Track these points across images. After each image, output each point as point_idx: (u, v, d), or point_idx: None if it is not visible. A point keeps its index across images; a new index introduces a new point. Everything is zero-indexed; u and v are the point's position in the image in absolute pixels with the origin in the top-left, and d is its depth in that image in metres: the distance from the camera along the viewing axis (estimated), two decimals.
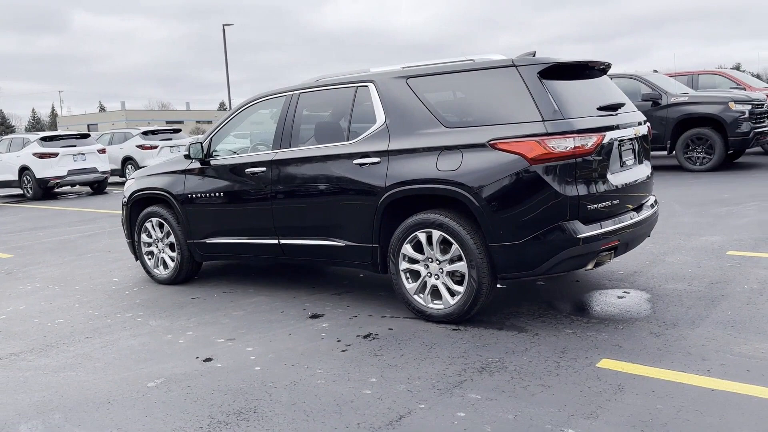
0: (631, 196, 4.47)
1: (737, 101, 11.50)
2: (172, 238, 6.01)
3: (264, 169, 5.22)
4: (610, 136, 4.20)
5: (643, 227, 4.51)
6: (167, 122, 67.03)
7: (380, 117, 4.66)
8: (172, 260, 6.09)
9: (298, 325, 4.63)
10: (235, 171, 5.49)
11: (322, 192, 4.89)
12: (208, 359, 4.09)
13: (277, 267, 6.58)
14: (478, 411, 3.11)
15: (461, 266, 4.26)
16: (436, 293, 4.46)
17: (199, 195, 5.70)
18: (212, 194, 5.61)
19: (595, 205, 4.08)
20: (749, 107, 11.48)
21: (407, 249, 4.50)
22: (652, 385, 3.27)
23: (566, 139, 3.94)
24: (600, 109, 4.32)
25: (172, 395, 3.56)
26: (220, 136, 5.75)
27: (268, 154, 5.26)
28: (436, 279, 4.42)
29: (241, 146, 6.36)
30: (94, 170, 16.37)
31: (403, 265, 4.54)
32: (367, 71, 5.01)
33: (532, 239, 4.03)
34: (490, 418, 3.04)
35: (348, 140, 4.82)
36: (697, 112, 11.65)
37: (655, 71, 14.74)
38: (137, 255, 6.42)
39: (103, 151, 16.83)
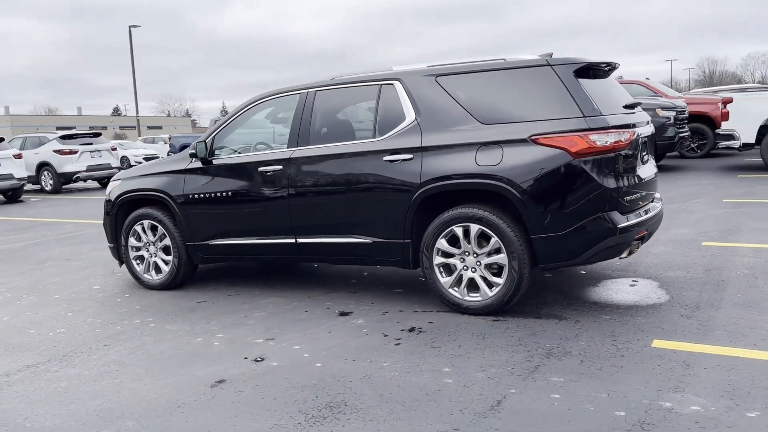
0: (649, 189, 4.76)
1: (664, 108, 12.38)
2: (167, 241, 5.77)
3: (280, 167, 5.14)
4: (637, 132, 4.47)
5: (658, 219, 4.81)
6: (58, 127, 63.39)
7: (410, 114, 4.71)
8: (167, 264, 5.84)
9: (333, 323, 4.59)
10: (245, 170, 5.36)
11: (348, 189, 4.87)
12: (260, 359, 3.98)
13: (267, 269, 6.46)
14: (569, 392, 3.24)
15: (501, 258, 4.38)
16: (471, 286, 4.56)
17: (202, 195, 5.52)
18: (218, 194, 5.44)
19: (629, 197, 4.33)
20: (674, 113, 12.45)
21: (442, 243, 4.57)
22: (714, 360, 3.51)
23: (607, 134, 4.16)
24: (624, 107, 4.58)
25: (245, 395, 3.45)
26: (222, 135, 5.59)
27: (284, 152, 5.18)
28: (473, 272, 4.52)
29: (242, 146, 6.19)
30: (9, 177, 15.27)
31: (437, 259, 4.61)
32: (390, 70, 5.05)
33: (575, 230, 4.21)
34: (585, 397, 3.17)
35: (375, 137, 4.83)
36: None
37: None
38: (122, 260, 6.11)
39: (19, 156, 15.74)
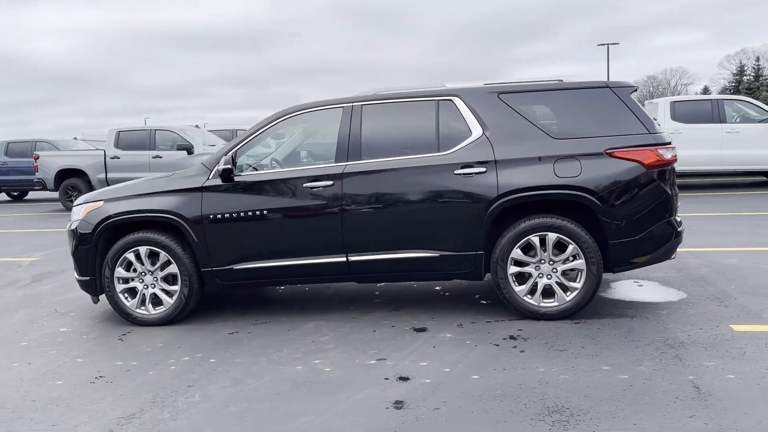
0: None
1: None
2: (171, 269, 5.11)
3: (330, 182, 4.90)
4: None
5: None
6: None
7: (476, 129, 4.84)
8: (170, 295, 5.16)
9: (421, 339, 4.50)
10: (286, 186, 5.00)
11: (414, 203, 4.83)
12: (405, 378, 3.80)
13: (251, 296, 6.00)
14: (737, 372, 3.64)
15: (579, 264, 4.69)
16: (544, 293, 4.79)
17: (227, 215, 5.01)
18: (249, 213, 4.99)
19: (677, 204, 4.93)
20: None
21: (517, 253, 4.75)
22: None
23: (667, 149, 4.72)
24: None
25: (445, 412, 3.31)
26: (246, 149, 5.16)
27: (334, 167, 4.95)
28: (548, 279, 4.76)
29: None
30: None
31: (512, 269, 4.77)
32: (442, 86, 5.12)
33: (646, 234, 4.69)
34: (754, 376, 3.59)
35: (440, 151, 4.87)
36: None
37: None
38: (99, 294, 5.26)
39: None
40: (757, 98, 53.68)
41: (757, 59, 58.38)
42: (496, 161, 4.74)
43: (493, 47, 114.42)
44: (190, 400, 3.66)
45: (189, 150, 14.22)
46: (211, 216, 5.02)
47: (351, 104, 5.08)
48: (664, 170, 4.69)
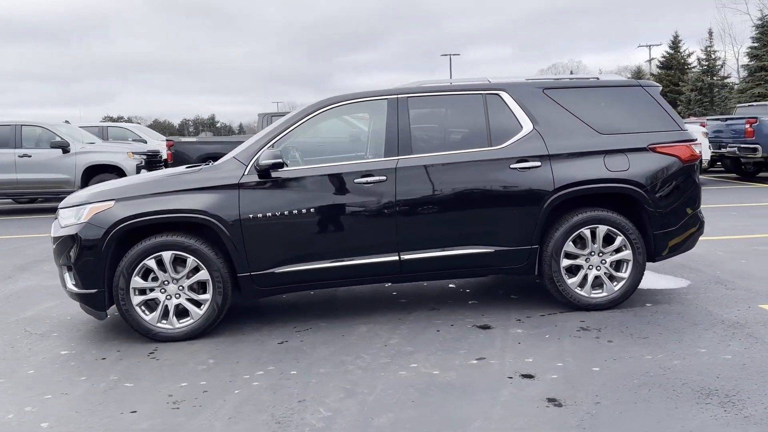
0: None
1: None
2: (201, 276, 4.56)
3: (383, 177, 4.66)
4: None
5: None
6: None
7: (526, 123, 4.86)
8: (198, 305, 4.60)
9: (503, 337, 4.42)
10: (335, 182, 4.67)
11: (469, 198, 4.74)
12: (529, 375, 3.71)
13: (256, 304, 5.55)
14: None
15: (626, 255, 4.88)
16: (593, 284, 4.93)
17: (270, 214, 4.57)
18: (294, 211, 4.59)
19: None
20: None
21: (569, 246, 4.84)
22: None
23: (696, 145, 5.07)
24: None
25: (609, 405, 3.29)
26: (283, 142, 4.75)
27: (386, 161, 4.71)
28: (597, 270, 4.90)
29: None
30: None
31: (564, 262, 4.85)
32: (485, 80, 5.07)
33: (682, 224, 4.99)
34: None
35: (492, 146, 4.82)
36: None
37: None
38: (106, 309, 4.57)
39: None
40: None
41: (571, 72, 64.54)
42: (549, 155, 4.78)
43: (321, 54, 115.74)
44: (319, 416, 3.29)
45: (65, 148, 13.01)
46: (251, 215, 4.55)
47: (396, 96, 4.86)
48: (694, 164, 5.02)
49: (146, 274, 4.55)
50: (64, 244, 4.60)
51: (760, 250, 6.88)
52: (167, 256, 4.51)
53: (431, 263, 4.77)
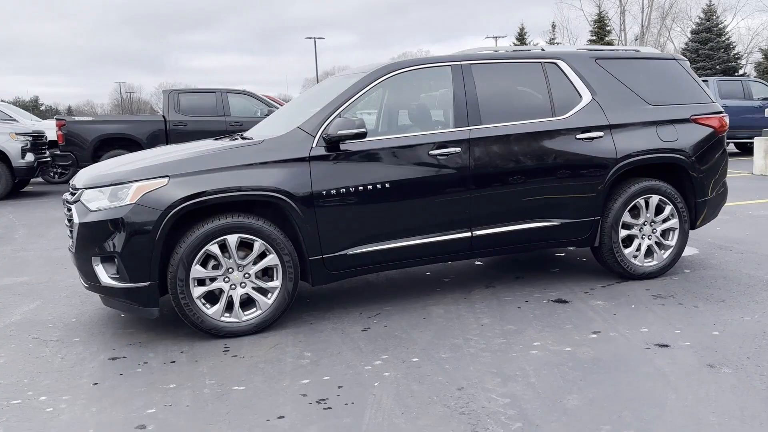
0: None
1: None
2: (270, 260, 4.05)
3: (458, 149, 4.40)
4: None
5: None
6: None
7: (585, 93, 4.82)
8: (266, 294, 4.09)
9: (587, 310, 4.36)
10: (410, 153, 4.32)
11: (541, 170, 4.61)
12: (664, 345, 3.67)
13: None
14: None
15: (674, 223, 5.01)
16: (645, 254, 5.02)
17: (344, 189, 4.14)
18: (369, 186, 4.19)
19: None
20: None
21: (626, 216, 4.89)
22: None
23: (725, 117, 5.31)
24: None
25: None
26: (347, 112, 4.32)
27: (460, 132, 4.44)
28: (649, 239, 5.00)
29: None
30: None
31: (622, 233, 4.89)
32: (539, 48, 4.94)
33: (718, 193, 5.23)
34: None
35: (556, 116, 4.72)
36: None
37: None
38: (158, 305, 3.93)
39: None
40: None
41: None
42: (610, 126, 4.77)
43: (153, 33, 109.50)
44: (499, 403, 3.01)
45: None
46: (324, 192, 4.09)
47: (459, 63, 4.60)
48: (724, 135, 5.26)
49: (205, 261, 3.94)
50: (99, 230, 3.85)
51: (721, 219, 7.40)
52: (233, 240, 3.94)
53: (500, 239, 4.58)
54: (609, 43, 42.59)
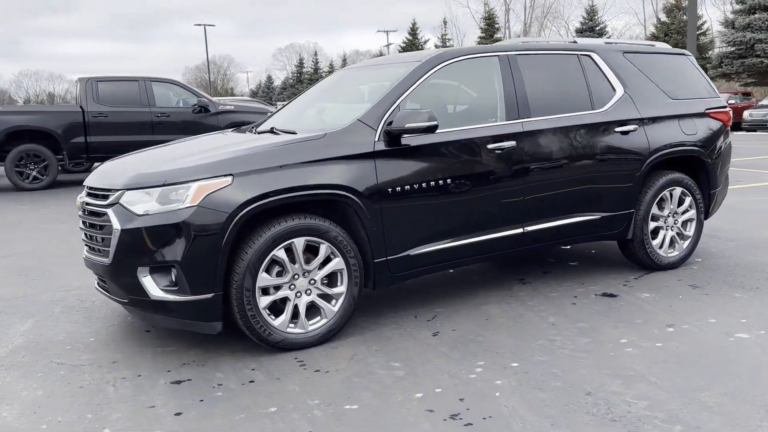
0: None
1: None
2: (335, 264, 3.71)
3: (513, 143, 4.27)
4: None
5: None
6: None
7: (618, 87, 4.83)
8: (331, 300, 3.78)
9: (642, 302, 4.38)
10: (470, 148, 4.14)
11: (585, 164, 4.58)
12: (742, 334, 3.75)
13: None
14: None
15: (692, 214, 5.16)
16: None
17: (407, 187, 3.90)
18: (431, 183, 3.97)
19: None
20: None
21: (655, 208, 4.97)
22: None
23: (730, 111, 5.54)
24: None
25: None
26: (417, 103, 4.07)
27: (513, 125, 4.31)
28: (671, 231, 5.12)
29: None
30: None
31: (651, 224, 4.97)
32: (573, 41, 4.90)
33: (724, 185, 5.44)
34: None
35: (595, 108, 4.71)
36: None
37: None
38: (232, 315, 3.53)
39: None
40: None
41: (315, 53, 65.93)
42: (642, 119, 4.82)
43: (7, 16, 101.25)
44: (641, 405, 2.91)
45: None
46: (390, 189, 3.83)
47: (506, 53, 4.46)
48: (729, 129, 5.48)
49: (271, 267, 3.57)
50: (150, 236, 3.38)
51: None
52: (300, 243, 3.59)
53: (547, 234, 4.51)
54: (497, 41, 44.15)
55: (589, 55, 4.80)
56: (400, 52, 50.33)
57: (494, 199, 4.22)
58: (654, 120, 4.86)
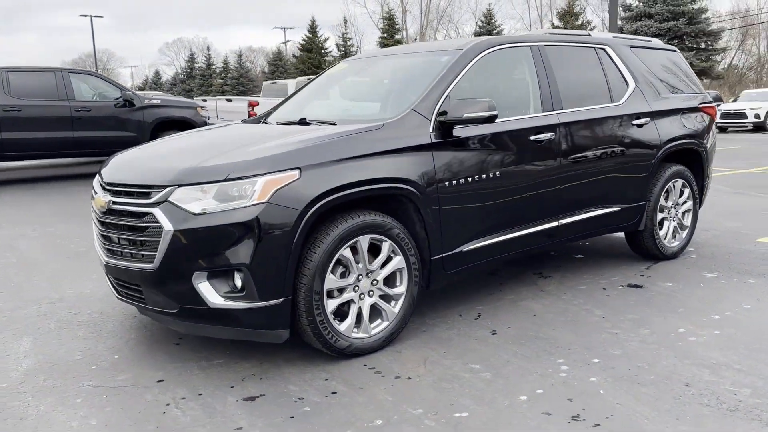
0: None
1: None
2: (396, 264, 3.50)
3: (552, 134, 4.22)
4: None
5: None
6: None
7: (630, 80, 4.90)
8: (391, 302, 3.55)
9: (672, 292, 4.46)
10: (514, 140, 4.04)
11: (607, 157, 4.59)
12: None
13: None
14: None
15: (689, 205, 5.33)
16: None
17: (462, 180, 3.74)
18: (483, 176, 3.84)
19: None
20: None
21: (662, 200, 5.10)
22: None
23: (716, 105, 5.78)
24: None
25: None
26: (457, 94, 3.90)
27: (550, 116, 4.26)
28: (674, 221, 5.27)
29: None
30: None
31: (658, 215, 5.10)
32: (588, 34, 4.92)
33: (711, 177, 5.68)
34: None
35: (613, 101, 4.75)
36: None
37: None
38: (298, 321, 3.24)
39: None
40: (212, 84, 58.91)
41: (208, 48, 63.75)
42: (651, 113, 4.92)
43: None
44: (743, 394, 2.93)
45: None
46: (447, 183, 3.66)
47: (536, 44, 4.40)
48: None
49: (336, 267, 3.30)
50: (212, 237, 3.02)
51: None
52: (365, 242, 3.34)
53: (577, 227, 4.50)
54: (398, 42, 44.58)
55: (604, 48, 4.83)
56: (300, 50, 49.70)
57: (536, 192, 4.14)
58: (661, 114, 4.97)
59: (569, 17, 36.15)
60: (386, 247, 3.41)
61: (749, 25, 46.95)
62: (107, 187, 3.42)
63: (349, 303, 3.36)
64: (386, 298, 3.50)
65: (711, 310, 4.00)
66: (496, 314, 4.02)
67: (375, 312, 3.47)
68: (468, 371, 3.21)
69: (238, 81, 56.18)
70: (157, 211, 3.08)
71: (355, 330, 3.37)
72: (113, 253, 3.38)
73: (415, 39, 53.09)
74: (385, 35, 44.42)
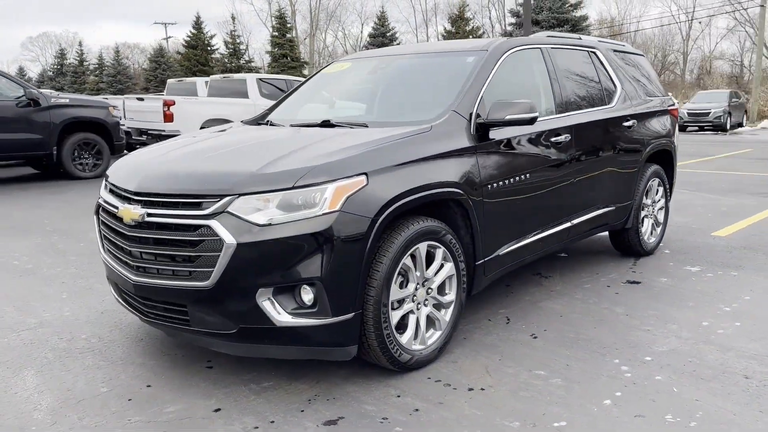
0: None
1: None
2: (448, 270, 3.39)
3: (568, 136, 4.28)
4: None
5: None
6: None
7: (617, 83, 5.07)
8: (441, 310, 3.45)
9: (668, 287, 4.64)
10: (540, 142, 4.04)
11: (608, 157, 4.72)
12: None
13: None
14: None
15: (663, 203, 5.60)
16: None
17: (502, 183, 3.70)
18: (518, 178, 3.82)
19: None
20: None
21: (644, 198, 5.33)
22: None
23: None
24: None
25: None
26: (492, 94, 3.84)
27: (563, 118, 4.31)
28: (651, 218, 5.50)
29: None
30: None
31: (642, 214, 5.31)
32: (578, 37, 5.01)
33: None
34: None
35: (607, 104, 4.88)
36: None
37: None
38: (364, 336, 3.06)
39: None
40: (86, 82, 55.36)
41: (80, 44, 59.86)
42: (636, 115, 5.11)
43: None
44: None
45: None
46: (489, 186, 3.61)
47: (545, 46, 4.44)
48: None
49: (412, 272, 3.18)
50: (280, 250, 2.79)
51: None
52: (423, 249, 3.22)
53: (583, 227, 4.59)
54: (291, 41, 44.05)
55: (594, 52, 4.95)
56: (185, 46, 47.82)
57: (558, 192, 4.18)
58: (644, 116, 5.18)
59: (460, 22, 37.21)
60: (439, 253, 3.30)
61: (617, 34, 50.50)
62: (137, 198, 3.05)
63: (408, 314, 3.20)
64: (437, 306, 3.38)
65: (718, 303, 4.20)
66: (525, 317, 4.00)
67: (429, 322, 3.34)
68: (536, 378, 3.16)
69: (115, 78, 53.25)
70: (214, 223, 2.79)
71: (417, 341, 3.23)
72: (145, 272, 3.03)
73: (305, 39, 52.68)
74: (277, 34, 43.70)
